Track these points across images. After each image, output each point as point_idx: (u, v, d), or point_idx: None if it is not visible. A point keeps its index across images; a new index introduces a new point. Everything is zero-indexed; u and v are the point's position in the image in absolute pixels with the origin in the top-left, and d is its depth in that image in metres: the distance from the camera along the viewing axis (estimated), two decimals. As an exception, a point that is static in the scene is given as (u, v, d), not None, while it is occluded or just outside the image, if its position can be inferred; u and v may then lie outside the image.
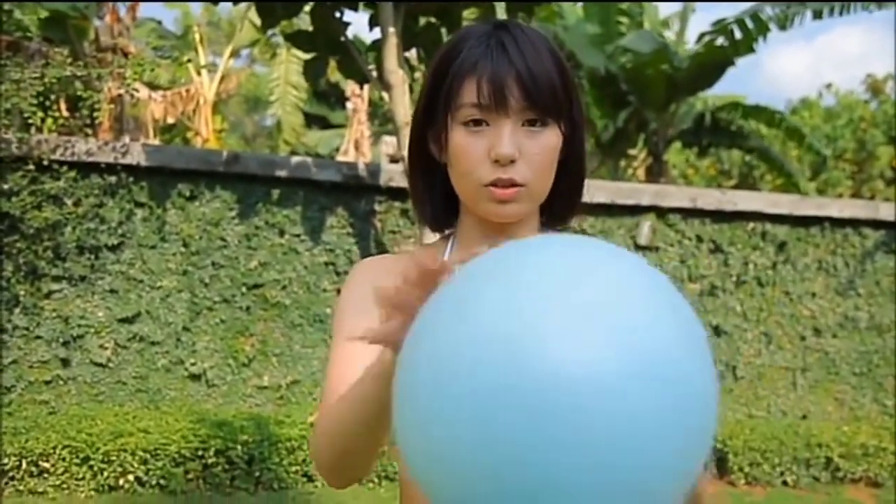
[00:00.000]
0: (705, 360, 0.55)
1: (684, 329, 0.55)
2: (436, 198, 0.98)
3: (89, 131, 5.01)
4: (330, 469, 0.87)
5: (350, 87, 11.40)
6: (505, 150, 0.87)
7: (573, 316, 0.52)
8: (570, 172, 0.96)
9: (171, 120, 11.81)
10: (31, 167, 4.36)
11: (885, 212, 5.56)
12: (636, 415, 0.51)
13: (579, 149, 0.96)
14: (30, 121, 4.45)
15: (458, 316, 0.55)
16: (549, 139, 0.90)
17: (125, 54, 6.81)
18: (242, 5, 6.97)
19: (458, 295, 0.57)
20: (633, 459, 0.51)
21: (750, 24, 6.68)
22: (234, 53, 13.13)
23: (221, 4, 4.94)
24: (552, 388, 0.50)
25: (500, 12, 5.14)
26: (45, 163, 4.38)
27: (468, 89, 0.87)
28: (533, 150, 0.88)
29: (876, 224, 5.54)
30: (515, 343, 0.51)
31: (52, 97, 4.72)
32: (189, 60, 10.77)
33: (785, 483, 4.85)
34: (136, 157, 4.57)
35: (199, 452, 4.13)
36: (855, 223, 5.52)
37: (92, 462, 4.01)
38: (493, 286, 0.55)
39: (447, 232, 1.02)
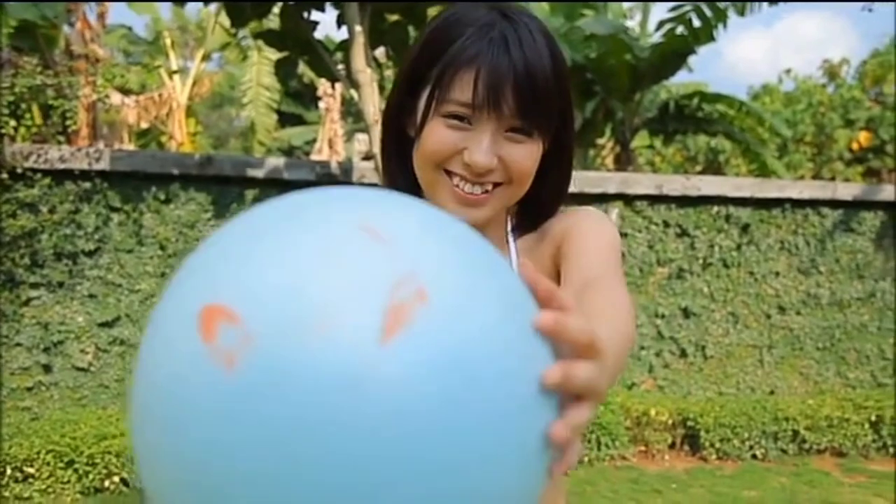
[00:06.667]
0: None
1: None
2: (409, 171, 0.90)
3: (62, 139, 5.04)
4: None
5: (322, 86, 11.46)
6: (481, 160, 0.81)
7: None
8: (554, 175, 0.90)
9: (144, 125, 11.81)
10: (5, 176, 4.39)
11: (842, 192, 5.74)
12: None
13: (566, 152, 0.90)
14: (2, 130, 4.49)
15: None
16: (532, 151, 0.84)
17: (96, 61, 6.83)
18: (212, 7, 7.01)
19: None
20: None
21: (708, 12, 6.82)
22: (206, 57, 13.12)
23: (189, 5, 5.00)
24: None
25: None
26: (19, 171, 4.43)
27: (461, 85, 0.80)
28: (512, 158, 0.83)
29: (834, 204, 5.71)
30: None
31: (24, 106, 4.76)
32: (159, 66, 10.77)
33: (754, 457, 5.00)
34: (110, 162, 4.62)
35: (183, 451, 4.19)
36: (814, 203, 5.69)
37: (77, 465, 4.04)
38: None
39: None
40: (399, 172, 0.91)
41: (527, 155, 0.83)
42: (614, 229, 0.91)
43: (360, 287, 0.44)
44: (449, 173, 0.84)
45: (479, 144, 0.81)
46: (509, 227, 0.94)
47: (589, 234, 0.87)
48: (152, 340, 0.49)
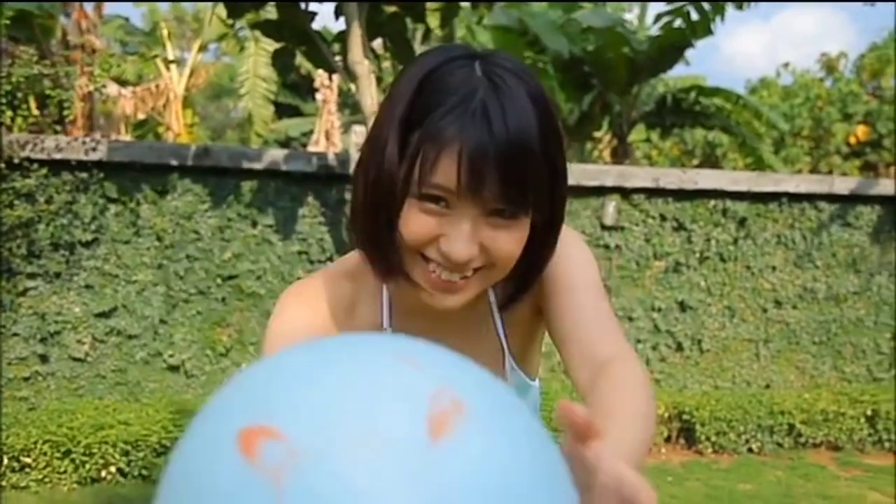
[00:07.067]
0: None
1: None
2: (384, 244, 0.80)
3: (58, 129, 5.03)
4: None
5: (319, 77, 11.43)
6: (459, 253, 0.75)
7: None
8: (541, 250, 0.82)
9: (141, 116, 11.78)
10: (2, 165, 4.38)
11: (839, 186, 5.74)
12: None
13: (556, 226, 0.82)
14: (-1, 120, 4.48)
15: None
16: (517, 235, 0.77)
17: (93, 51, 6.81)
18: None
19: None
20: None
21: (706, 6, 6.83)
22: (203, 47, 13.09)
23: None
24: None
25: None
26: (16, 161, 4.41)
27: (440, 167, 0.73)
28: (495, 245, 0.76)
29: (831, 198, 5.72)
30: None
31: (20, 95, 4.75)
32: (156, 56, 10.73)
33: (750, 450, 5.02)
34: (107, 153, 4.61)
35: (180, 442, 4.19)
36: (811, 197, 5.69)
37: (73, 455, 4.05)
38: None
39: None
40: (389, 247, 0.81)
41: (511, 240, 0.76)
42: (588, 255, 0.86)
43: (401, 399, 0.44)
44: (426, 257, 0.77)
45: (458, 234, 0.74)
46: (493, 300, 0.89)
47: (577, 280, 0.83)
48: (184, 466, 0.46)
